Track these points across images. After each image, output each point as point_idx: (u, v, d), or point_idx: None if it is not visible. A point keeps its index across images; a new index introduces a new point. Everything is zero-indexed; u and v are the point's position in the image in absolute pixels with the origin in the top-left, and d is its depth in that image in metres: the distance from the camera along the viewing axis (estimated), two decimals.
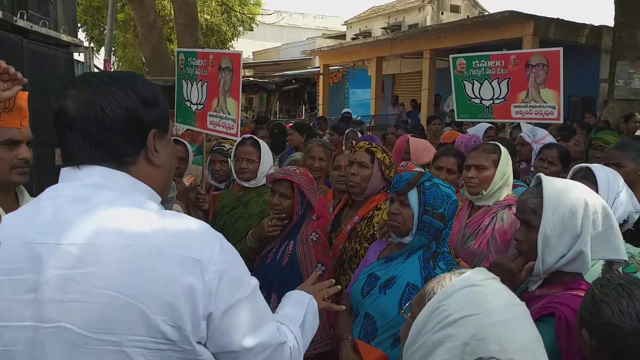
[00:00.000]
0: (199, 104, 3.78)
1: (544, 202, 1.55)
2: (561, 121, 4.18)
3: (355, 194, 2.69)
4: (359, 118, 12.42)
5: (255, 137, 3.21)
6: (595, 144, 3.98)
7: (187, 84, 3.87)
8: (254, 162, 3.04)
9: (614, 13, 8.44)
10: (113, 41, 10.14)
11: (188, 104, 3.88)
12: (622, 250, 1.60)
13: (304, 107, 17.03)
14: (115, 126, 1.02)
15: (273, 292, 2.45)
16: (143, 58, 19.69)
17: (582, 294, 1.54)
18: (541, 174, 1.66)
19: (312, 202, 2.54)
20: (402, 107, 13.82)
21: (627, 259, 1.66)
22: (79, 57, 4.23)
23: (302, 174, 2.59)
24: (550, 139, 4.24)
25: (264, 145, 3.15)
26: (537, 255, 1.56)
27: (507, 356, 0.97)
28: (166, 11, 16.06)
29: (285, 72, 14.96)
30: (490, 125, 4.28)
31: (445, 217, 1.99)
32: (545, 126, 5.40)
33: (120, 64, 21.90)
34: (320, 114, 16.00)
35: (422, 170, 2.10)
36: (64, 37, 3.84)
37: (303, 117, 16.88)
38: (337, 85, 17.81)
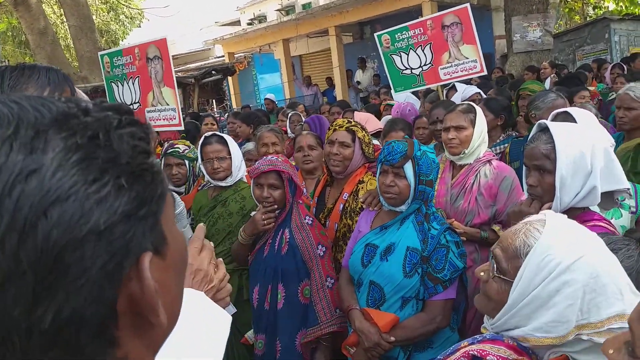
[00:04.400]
0: (134, 103, 3.58)
1: (557, 146, 1.67)
2: (485, 72, 4.44)
3: (338, 173, 2.72)
4: (276, 102, 12.33)
5: (219, 133, 3.10)
6: (523, 93, 4.30)
7: (117, 87, 3.64)
8: (226, 159, 2.94)
9: None
10: None
11: None
12: (625, 179, 1.77)
13: (214, 100, 16.58)
14: None
15: (279, 283, 2.44)
16: None
17: (599, 224, 1.71)
18: (545, 121, 1.79)
19: (299, 187, 2.54)
20: (316, 87, 13.91)
21: (629, 186, 1.84)
22: None
23: (284, 160, 2.57)
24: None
25: (229, 140, 3.06)
26: (555, 196, 1.69)
27: (616, 283, 1.04)
28: (55, 16, 14.82)
29: (205, 63, 14.39)
30: (476, 90, 4.45)
31: (433, 181, 2.09)
32: (467, 83, 5.74)
33: None
34: (233, 104, 15.68)
35: (409, 139, 2.16)
36: None
37: (215, 110, 16.45)
38: (244, 73, 17.48)
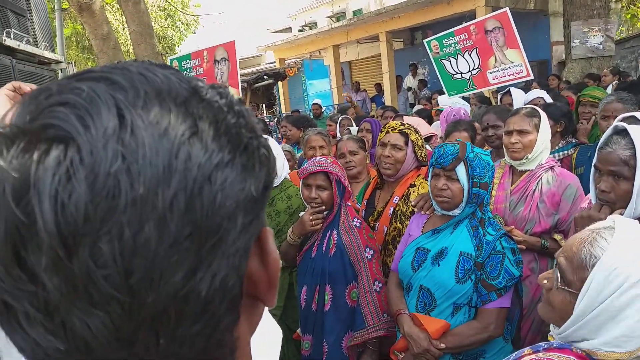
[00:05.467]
0: None
1: (638, 153, 1.58)
2: (532, 77, 4.34)
3: (389, 176, 2.69)
4: (325, 108, 12.40)
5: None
6: (584, 100, 4.12)
7: None
8: None
9: None
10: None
11: None
12: None
13: (264, 105, 16.86)
14: None
15: (326, 284, 2.43)
16: None
17: None
18: (623, 123, 1.69)
19: (348, 189, 2.53)
20: (365, 93, 13.87)
21: None
22: (60, 74, 4.01)
23: (333, 162, 2.56)
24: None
25: (272, 140, 3.09)
26: (630, 203, 1.60)
27: None
28: (117, 22, 15.50)
29: (257, 69, 14.64)
30: (539, 94, 4.36)
31: (488, 184, 2.02)
32: (526, 89, 5.57)
33: None
34: (282, 109, 15.87)
35: (461, 141, 2.11)
36: (47, 54, 3.62)
37: (265, 115, 16.72)
38: (293, 79, 17.70)
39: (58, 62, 3.88)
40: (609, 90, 6.11)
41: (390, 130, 2.66)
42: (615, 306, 1.00)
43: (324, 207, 2.48)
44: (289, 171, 3.18)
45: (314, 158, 2.62)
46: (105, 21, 8.90)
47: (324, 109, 11.78)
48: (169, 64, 3.82)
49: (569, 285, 1.09)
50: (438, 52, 4.71)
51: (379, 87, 13.65)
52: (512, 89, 4.63)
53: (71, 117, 0.35)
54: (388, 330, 2.33)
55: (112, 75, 0.39)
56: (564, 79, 8.57)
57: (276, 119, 14.43)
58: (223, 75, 3.43)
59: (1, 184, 0.34)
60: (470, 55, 4.47)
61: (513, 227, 2.39)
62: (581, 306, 1.05)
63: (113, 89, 0.38)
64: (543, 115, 2.54)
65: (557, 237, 2.40)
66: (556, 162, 2.57)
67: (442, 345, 1.91)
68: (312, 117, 9.05)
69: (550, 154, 3.54)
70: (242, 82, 9.28)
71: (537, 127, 2.48)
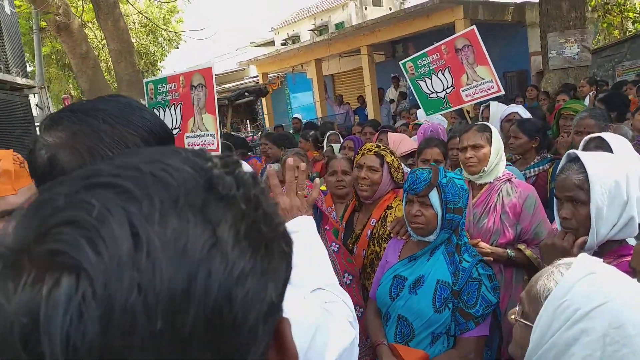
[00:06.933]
0: (174, 128, 3.65)
1: (590, 176, 1.59)
2: (502, 92, 4.40)
3: (366, 198, 2.67)
4: (307, 122, 12.41)
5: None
6: (565, 113, 4.17)
7: (158, 112, 3.73)
8: None
9: None
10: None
11: None
12: None
13: (247, 120, 16.84)
14: None
15: None
16: (73, 92, 18.82)
17: None
18: (575, 151, 1.71)
19: (325, 213, 2.50)
20: (348, 106, 13.94)
21: None
22: (34, 99, 3.94)
23: (309, 186, 2.53)
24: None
25: (245, 165, 3.06)
26: (591, 229, 1.60)
27: None
28: (97, 40, 15.39)
29: (240, 83, 14.61)
30: (514, 110, 4.40)
31: (463, 209, 2.01)
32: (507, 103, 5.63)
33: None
34: (266, 124, 15.86)
35: (434, 166, 2.10)
36: (19, 80, 3.55)
37: (249, 129, 16.66)
38: (277, 93, 17.73)
39: (31, 87, 3.81)
40: (587, 101, 6.20)
41: (365, 152, 2.65)
42: (563, 340, 0.98)
43: None
44: None
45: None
46: (84, 40, 8.84)
47: (302, 122, 11.81)
48: (145, 86, 3.78)
49: (526, 318, 1.09)
50: (414, 73, 4.78)
51: (361, 99, 13.74)
52: (492, 103, 4.67)
53: (81, 241, 0.32)
54: (372, 357, 2.30)
55: (123, 181, 0.36)
56: (542, 90, 8.69)
57: (260, 132, 14.41)
58: (200, 101, 3.39)
59: (8, 322, 0.31)
60: (443, 74, 4.55)
61: (479, 240, 2.40)
62: (534, 339, 1.03)
63: (125, 200, 0.34)
64: (494, 129, 2.62)
65: (521, 247, 2.44)
66: (512, 175, 2.61)
67: None
68: (292, 131, 9.06)
69: (526, 169, 3.59)
70: (222, 99, 9.28)
71: (489, 141, 2.54)
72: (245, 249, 0.37)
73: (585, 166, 1.62)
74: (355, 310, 2.35)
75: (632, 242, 1.70)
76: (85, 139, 0.77)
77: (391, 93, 13.61)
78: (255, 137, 13.00)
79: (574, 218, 1.66)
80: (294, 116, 10.35)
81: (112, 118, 0.80)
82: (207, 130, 3.43)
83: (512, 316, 1.16)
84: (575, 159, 1.69)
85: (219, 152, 3.34)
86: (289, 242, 0.43)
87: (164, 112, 3.66)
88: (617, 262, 1.62)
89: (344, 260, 2.45)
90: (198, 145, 3.50)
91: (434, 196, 1.98)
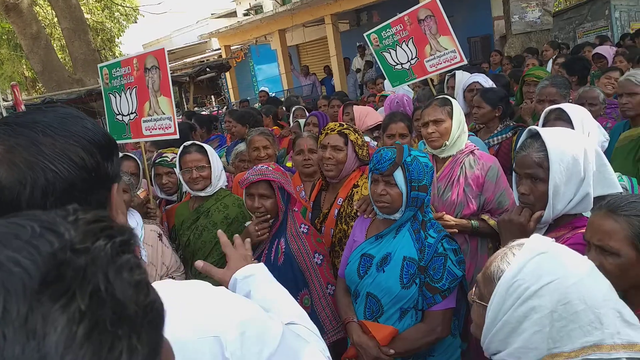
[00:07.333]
0: (131, 113, 3.54)
1: (550, 154, 1.62)
2: (465, 62, 4.42)
3: (332, 178, 2.67)
4: (274, 95, 12.25)
5: (198, 142, 3.04)
6: (528, 79, 4.22)
7: (115, 98, 3.60)
8: (205, 169, 2.87)
9: None
10: None
11: (120, 117, 3.62)
12: (617, 183, 1.72)
13: (212, 95, 16.48)
14: (76, 192, 0.76)
15: None
16: (27, 73, 18.03)
17: None
18: (536, 127, 1.72)
19: (292, 195, 2.49)
20: (314, 77, 13.79)
21: (622, 190, 1.78)
22: None
23: (276, 169, 2.51)
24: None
25: (209, 149, 2.99)
26: (548, 204, 1.64)
27: (593, 311, 1.00)
28: (49, 19, 14.68)
29: (201, 57, 14.17)
30: (475, 79, 4.40)
31: (427, 187, 2.03)
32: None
33: None
34: (232, 98, 15.59)
35: (399, 145, 2.09)
36: None
37: (214, 104, 16.35)
38: (241, 65, 17.37)
39: None
40: (549, 65, 6.29)
41: (329, 131, 2.63)
42: (514, 318, 1.02)
43: (269, 216, 2.43)
44: (226, 183, 3.10)
45: (255, 167, 2.55)
46: (34, 19, 8.41)
47: (272, 94, 11.64)
48: (99, 72, 3.63)
49: (481, 299, 1.12)
50: (378, 45, 4.73)
51: (328, 69, 13.60)
52: (457, 72, 4.69)
53: None
54: (343, 335, 2.33)
55: None
56: (505, 54, 8.76)
57: (225, 107, 14.16)
58: (154, 84, 3.29)
59: None
60: (407, 45, 4.53)
61: (444, 212, 2.45)
62: (488, 319, 1.07)
63: None
64: (454, 102, 2.64)
65: (485, 217, 2.51)
66: (475, 147, 2.65)
67: (392, 351, 1.92)
68: (259, 105, 8.92)
69: (489, 138, 3.65)
70: (183, 76, 9.03)
71: (450, 115, 2.57)
72: (82, 356, 0.33)
73: (546, 144, 1.65)
74: (328, 288, 2.39)
75: (587, 213, 1.76)
76: (24, 152, 0.73)
77: (357, 62, 13.51)
78: (220, 111, 12.77)
79: (531, 194, 1.69)
80: (260, 89, 10.19)
81: (51, 129, 0.77)
82: (164, 114, 3.34)
83: (472, 296, 1.19)
84: (536, 135, 1.71)
85: (177, 135, 3.26)
86: (155, 324, 0.40)
87: (120, 97, 3.54)
88: (572, 233, 1.67)
89: (313, 241, 2.46)
90: (155, 129, 3.41)
91: (398, 175, 1.99)
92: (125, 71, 3.41)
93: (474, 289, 1.20)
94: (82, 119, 0.82)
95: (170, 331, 0.73)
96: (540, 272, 1.03)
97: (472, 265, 2.55)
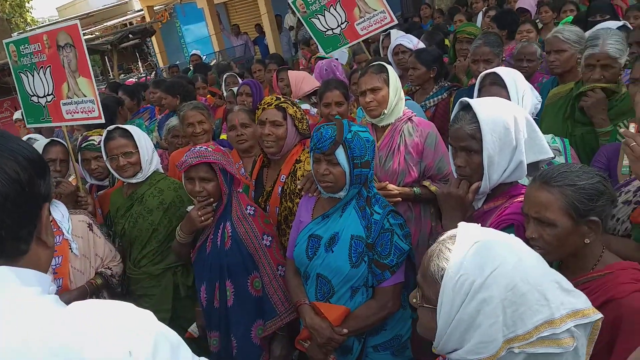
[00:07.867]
0: (48, 95, 3.25)
1: (482, 126, 1.64)
2: (396, 22, 4.40)
3: (273, 154, 2.60)
4: (204, 57, 11.75)
5: (122, 126, 2.84)
6: (461, 37, 4.24)
7: (27, 77, 3.28)
8: (133, 154, 2.69)
9: None
10: None
11: (35, 99, 3.31)
12: (548, 148, 1.77)
13: (139, 61, 15.63)
14: (8, 204, 0.81)
15: (226, 280, 2.36)
16: None
17: None
18: (467, 99, 1.73)
19: (235, 176, 2.40)
20: (246, 36, 13.32)
21: (553, 155, 1.84)
22: None
23: (216, 150, 2.41)
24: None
25: (135, 131, 2.79)
26: (484, 175, 1.68)
27: (537, 289, 1.01)
28: None
29: (123, 19, 13.18)
30: (400, 42, 4.31)
31: (370, 162, 2.01)
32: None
33: None
34: (160, 63, 14.84)
35: (339, 121, 2.05)
36: None
37: (142, 71, 15.53)
38: (167, 27, 16.46)
39: None
40: (479, 19, 6.35)
41: (266, 106, 2.54)
42: (467, 314, 1.02)
43: (212, 200, 2.35)
44: (160, 163, 2.94)
45: (193, 148, 2.43)
46: None
47: (204, 57, 11.15)
48: (6, 48, 3.28)
49: (428, 302, 1.11)
50: (305, 11, 4.57)
51: (259, 28, 13.16)
52: (392, 31, 4.64)
53: None
54: (296, 316, 2.31)
55: None
56: (436, 7, 8.79)
57: (154, 72, 13.45)
58: (71, 64, 3.00)
59: None
60: (335, 9, 4.42)
61: (387, 182, 2.47)
62: (441, 321, 1.06)
63: None
64: (390, 68, 2.63)
65: (426, 183, 2.56)
66: (412, 113, 2.67)
67: (345, 331, 1.94)
68: (191, 69, 8.51)
69: (425, 100, 3.67)
70: (104, 43, 8.42)
71: (386, 82, 2.56)
72: None
73: (477, 116, 1.66)
74: (279, 269, 2.36)
75: (522, 181, 1.81)
76: None
77: (290, 19, 13.13)
78: (149, 77, 12.14)
79: (467, 166, 1.72)
80: (192, 52, 9.69)
81: None
82: (85, 96, 3.07)
83: (414, 300, 1.17)
84: (467, 107, 1.72)
85: (102, 119, 3.05)
86: None
87: (33, 76, 3.21)
88: (510, 202, 1.72)
89: (261, 222, 2.41)
90: (77, 112, 3.15)
91: (340, 153, 1.95)
92: (35, 48, 3.08)
93: (416, 292, 1.17)
94: (15, 138, 0.88)
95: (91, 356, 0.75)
96: (481, 263, 1.03)
97: (417, 232, 2.61)
